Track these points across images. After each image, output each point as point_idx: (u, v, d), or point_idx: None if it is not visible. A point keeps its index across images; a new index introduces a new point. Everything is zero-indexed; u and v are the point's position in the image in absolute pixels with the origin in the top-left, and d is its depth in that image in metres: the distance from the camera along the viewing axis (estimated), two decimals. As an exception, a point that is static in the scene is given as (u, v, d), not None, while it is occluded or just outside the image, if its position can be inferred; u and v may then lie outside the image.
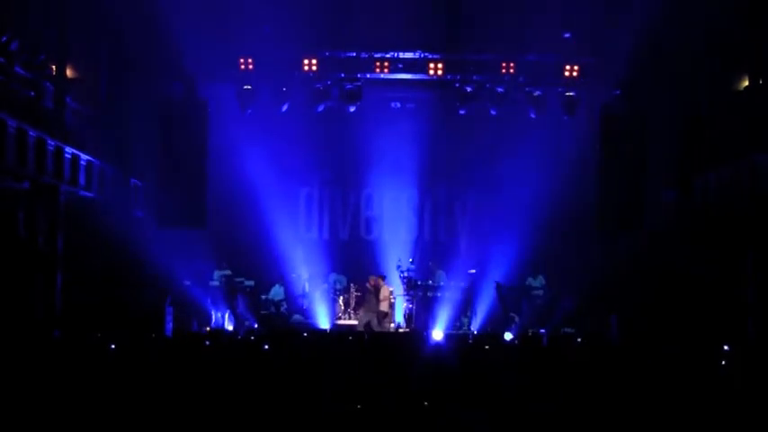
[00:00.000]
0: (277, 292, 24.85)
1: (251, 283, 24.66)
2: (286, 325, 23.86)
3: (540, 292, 23.85)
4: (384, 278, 23.97)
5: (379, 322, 23.38)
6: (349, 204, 27.34)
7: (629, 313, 21.93)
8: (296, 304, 25.09)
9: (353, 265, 25.98)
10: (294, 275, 25.59)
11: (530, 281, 24.24)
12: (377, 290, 23.88)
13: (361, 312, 24.13)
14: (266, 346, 12.76)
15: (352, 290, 24.94)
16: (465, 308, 24.22)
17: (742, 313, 19.25)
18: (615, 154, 23.31)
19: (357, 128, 26.39)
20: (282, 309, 24.65)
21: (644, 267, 23.05)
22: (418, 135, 26.60)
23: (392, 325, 23.94)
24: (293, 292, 25.38)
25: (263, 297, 24.83)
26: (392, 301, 24.17)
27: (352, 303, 24.93)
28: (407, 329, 23.56)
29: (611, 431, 8.92)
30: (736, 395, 9.61)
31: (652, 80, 23.07)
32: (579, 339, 19.90)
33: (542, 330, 22.62)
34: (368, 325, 23.13)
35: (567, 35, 23.45)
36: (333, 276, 25.52)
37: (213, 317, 23.68)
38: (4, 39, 18.09)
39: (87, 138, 21.27)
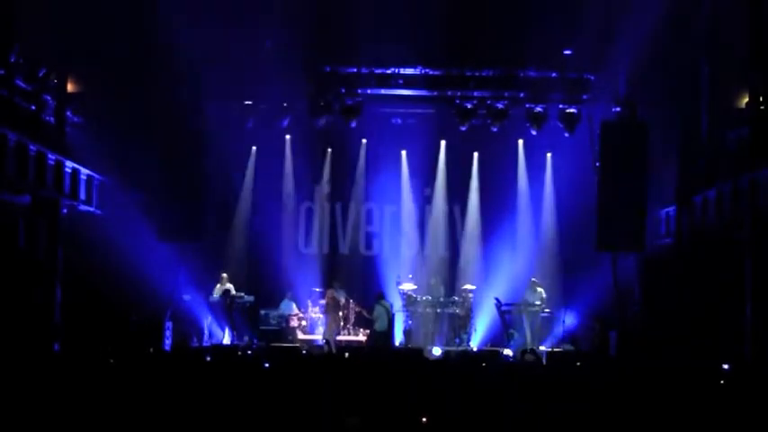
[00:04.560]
0: (287, 306, 24.78)
1: (251, 298, 24.63)
2: (288, 340, 23.85)
3: (539, 308, 23.78)
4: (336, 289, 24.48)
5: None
6: (349, 219, 27.32)
7: (628, 330, 21.92)
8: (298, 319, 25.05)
9: (353, 281, 25.94)
10: (294, 291, 25.58)
11: (528, 296, 24.16)
12: (335, 302, 24.11)
13: (327, 328, 24.21)
14: (266, 365, 12.73)
15: (352, 305, 24.89)
16: (464, 324, 24.20)
17: (740, 331, 19.23)
18: (615, 170, 23.25)
19: (358, 143, 26.45)
20: (292, 324, 24.53)
21: (643, 284, 23.06)
22: (419, 150, 26.65)
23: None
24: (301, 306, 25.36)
25: (263, 312, 24.77)
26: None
27: (352, 319, 24.89)
28: (406, 346, 23.54)
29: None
30: (734, 413, 9.60)
31: (652, 96, 23.07)
32: (578, 356, 19.94)
33: (542, 347, 22.61)
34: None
35: (567, 51, 23.49)
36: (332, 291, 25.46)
37: (212, 332, 23.65)
38: (5, 52, 18.15)
39: (88, 151, 21.29)
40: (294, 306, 24.83)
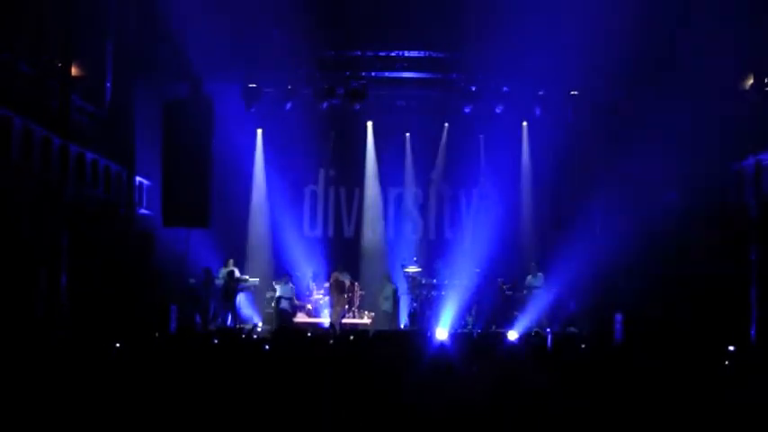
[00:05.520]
0: (285, 288, 24.82)
1: (255, 280, 24.70)
2: (289, 321, 23.91)
3: (541, 291, 23.85)
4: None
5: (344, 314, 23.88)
6: (353, 202, 27.35)
7: (633, 312, 21.95)
8: (301, 302, 25.09)
9: (358, 264, 25.98)
10: (299, 273, 25.63)
11: (530, 279, 24.25)
12: (339, 285, 24.12)
13: (332, 311, 24.25)
14: (266, 347, 12.79)
15: (356, 288, 24.93)
16: (469, 307, 24.26)
17: (745, 313, 19.23)
18: (617, 152, 23.24)
19: (362, 126, 26.45)
20: (283, 305, 24.53)
21: (648, 266, 23.05)
22: (423, 133, 26.68)
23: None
24: (299, 289, 25.40)
25: (269, 294, 24.84)
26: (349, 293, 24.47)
27: (357, 302, 24.94)
28: (411, 328, 23.62)
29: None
30: (738, 396, 9.61)
31: (655, 79, 23.02)
32: (583, 339, 19.93)
33: (547, 330, 22.67)
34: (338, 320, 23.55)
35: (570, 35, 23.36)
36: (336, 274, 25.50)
37: (217, 315, 23.71)
38: (10, 37, 18.13)
39: (92, 136, 21.28)
40: (290, 289, 24.84)
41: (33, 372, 10.04)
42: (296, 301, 24.79)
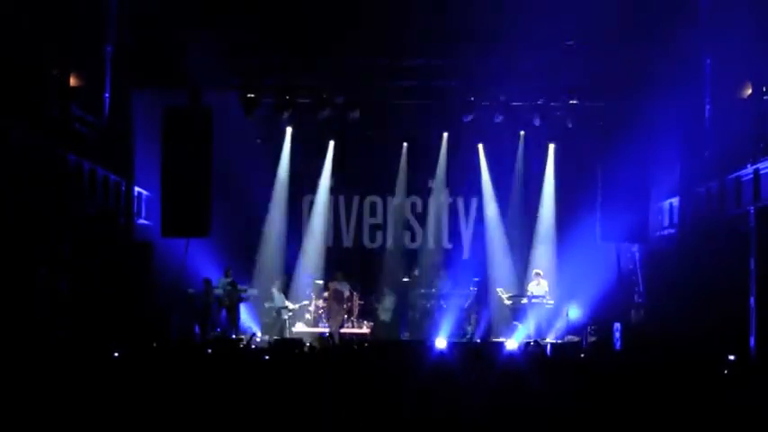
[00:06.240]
0: (278, 298, 24.84)
1: (254, 291, 24.67)
2: (288, 332, 23.91)
3: (543, 300, 23.82)
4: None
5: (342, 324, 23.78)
6: (352, 211, 27.33)
7: (632, 322, 21.94)
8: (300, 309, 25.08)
9: (357, 273, 25.95)
10: (298, 282, 25.63)
11: (532, 288, 24.22)
12: (338, 294, 24.07)
13: (332, 321, 24.20)
14: (266, 357, 12.80)
15: (355, 298, 24.90)
16: (469, 316, 24.24)
17: (744, 323, 19.20)
18: (617, 161, 23.19)
19: (360, 135, 26.43)
20: (283, 316, 24.54)
21: (647, 276, 23.05)
22: (421, 142, 26.68)
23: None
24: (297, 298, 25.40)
25: (267, 305, 24.83)
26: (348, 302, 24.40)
27: (356, 311, 24.90)
28: (410, 338, 23.59)
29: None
30: (737, 405, 9.61)
31: (655, 88, 23.02)
32: (583, 348, 19.95)
33: (547, 339, 22.65)
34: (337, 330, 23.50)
35: (569, 42, 23.35)
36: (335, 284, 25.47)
37: (216, 325, 23.69)
38: (9, 46, 18.13)
39: (91, 146, 21.24)
40: (283, 298, 24.84)
41: (33, 374, 10.05)
42: (293, 306, 24.78)
